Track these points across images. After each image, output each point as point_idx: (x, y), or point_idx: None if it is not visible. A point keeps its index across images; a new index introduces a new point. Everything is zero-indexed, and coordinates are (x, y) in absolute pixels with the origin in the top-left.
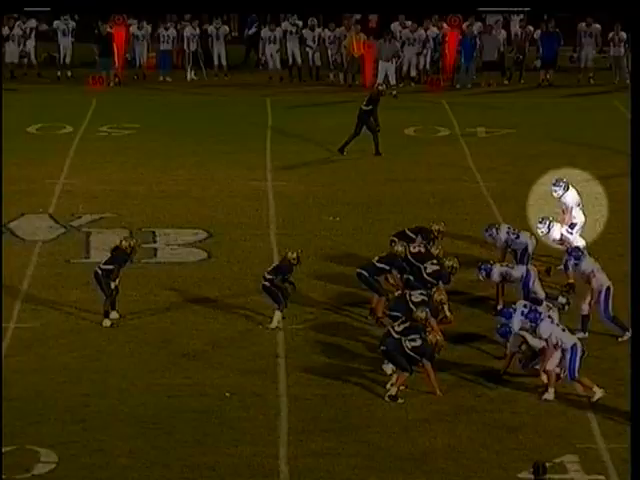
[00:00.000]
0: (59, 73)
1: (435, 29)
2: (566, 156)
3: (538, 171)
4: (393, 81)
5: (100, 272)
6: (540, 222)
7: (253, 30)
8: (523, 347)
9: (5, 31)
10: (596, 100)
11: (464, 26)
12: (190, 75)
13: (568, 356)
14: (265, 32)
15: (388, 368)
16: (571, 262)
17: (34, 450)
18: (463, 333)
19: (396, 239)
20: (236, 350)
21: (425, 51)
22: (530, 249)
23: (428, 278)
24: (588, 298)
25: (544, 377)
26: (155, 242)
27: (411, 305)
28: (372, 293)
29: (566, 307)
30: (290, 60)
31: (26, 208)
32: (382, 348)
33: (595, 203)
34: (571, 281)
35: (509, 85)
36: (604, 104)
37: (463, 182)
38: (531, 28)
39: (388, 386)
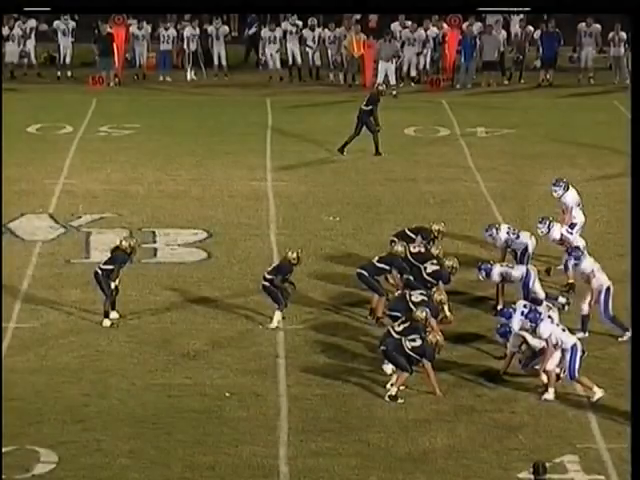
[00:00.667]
0: (59, 73)
1: (435, 29)
2: (566, 156)
3: (538, 171)
4: (393, 81)
5: (100, 272)
6: (540, 222)
7: (253, 30)
8: (523, 347)
9: (5, 31)
10: (596, 100)
11: (464, 26)
12: (190, 75)
13: (568, 356)
14: (265, 32)
15: (388, 368)
16: (571, 262)
17: (34, 450)
18: (463, 333)
19: (396, 239)
20: (236, 350)
21: (425, 51)
22: (530, 249)
23: (428, 278)
24: (588, 298)
25: (544, 377)
26: (155, 242)
27: (411, 305)
28: (372, 293)
29: (566, 307)
30: (290, 60)
31: (26, 208)
32: (382, 348)
33: (595, 203)
34: (571, 281)
35: (509, 85)
36: (604, 104)
37: (463, 182)
38: (531, 28)
39: (388, 386)
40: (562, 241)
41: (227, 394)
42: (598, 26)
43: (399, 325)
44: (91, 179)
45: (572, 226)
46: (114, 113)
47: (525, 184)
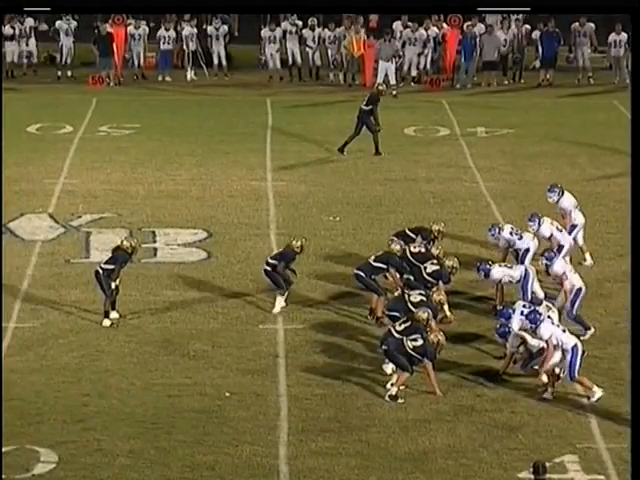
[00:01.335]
0: (59, 73)
1: (435, 29)
2: (566, 156)
3: (538, 171)
4: (393, 81)
5: (101, 271)
6: (530, 219)
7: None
8: (521, 348)
9: (8, 30)
10: (596, 100)
11: (464, 26)
12: (190, 75)
13: (569, 357)
14: (265, 32)
15: (388, 368)
16: (543, 263)
17: (34, 450)
18: (463, 333)
19: (395, 238)
20: (236, 350)
21: (426, 51)
22: (532, 250)
23: (428, 278)
24: (560, 299)
25: (544, 377)
26: (155, 242)
27: (409, 305)
28: (371, 293)
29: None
30: (290, 60)
31: (26, 208)
32: (383, 348)
33: (595, 203)
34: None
35: (509, 85)
36: (604, 104)
37: (463, 182)
38: (528, 27)
39: (388, 386)
40: (551, 239)
41: (227, 394)
42: (592, 25)
43: (400, 325)
44: (91, 179)
45: (573, 228)
46: (114, 113)
47: (525, 184)
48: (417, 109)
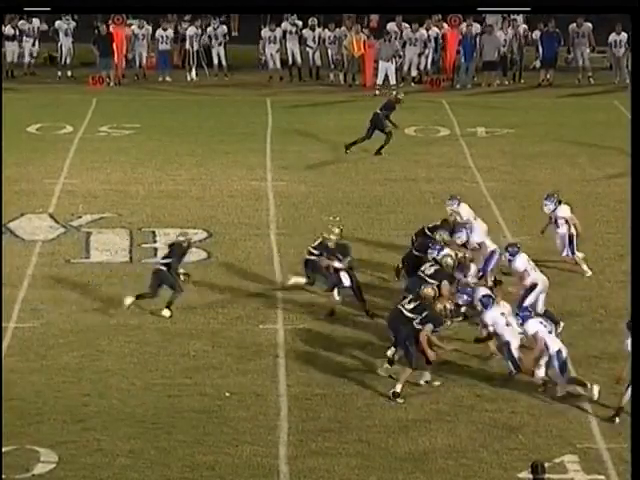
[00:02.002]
0: (59, 73)
1: (436, 29)
2: (566, 156)
3: (538, 171)
4: (393, 81)
5: (163, 268)
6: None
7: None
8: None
9: (9, 30)
10: (596, 100)
11: (464, 26)
12: (192, 75)
13: (555, 362)
14: (265, 32)
15: (382, 371)
16: (506, 257)
17: (34, 450)
18: (463, 333)
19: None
20: (236, 350)
21: (426, 51)
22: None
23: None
24: (513, 291)
25: (539, 373)
26: (155, 242)
27: (425, 278)
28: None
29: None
30: (290, 60)
31: (26, 208)
32: (390, 323)
33: (595, 203)
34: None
35: (509, 85)
36: (604, 104)
37: (463, 182)
38: (525, 27)
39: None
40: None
41: (227, 394)
42: (589, 25)
43: (409, 303)
44: (91, 179)
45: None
46: (114, 113)
47: (525, 184)
48: (417, 109)
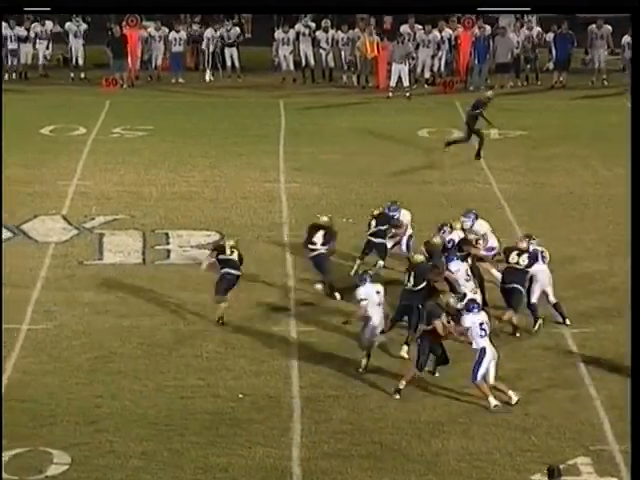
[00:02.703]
0: (72, 75)
1: (449, 30)
2: (579, 158)
3: (551, 173)
4: (406, 83)
5: (325, 252)
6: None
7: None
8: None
9: (22, 32)
10: (609, 102)
11: (477, 28)
12: (208, 76)
13: (476, 357)
14: (278, 34)
15: (405, 352)
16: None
17: (47, 451)
18: None
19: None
20: (249, 352)
21: (440, 53)
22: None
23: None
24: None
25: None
26: (168, 244)
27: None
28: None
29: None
30: (303, 62)
31: (39, 210)
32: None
33: (608, 205)
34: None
35: (522, 87)
36: (617, 106)
37: (476, 184)
38: (539, 29)
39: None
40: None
41: (240, 395)
42: (609, 27)
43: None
44: (104, 180)
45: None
46: (127, 114)
47: (539, 186)
48: (430, 111)
